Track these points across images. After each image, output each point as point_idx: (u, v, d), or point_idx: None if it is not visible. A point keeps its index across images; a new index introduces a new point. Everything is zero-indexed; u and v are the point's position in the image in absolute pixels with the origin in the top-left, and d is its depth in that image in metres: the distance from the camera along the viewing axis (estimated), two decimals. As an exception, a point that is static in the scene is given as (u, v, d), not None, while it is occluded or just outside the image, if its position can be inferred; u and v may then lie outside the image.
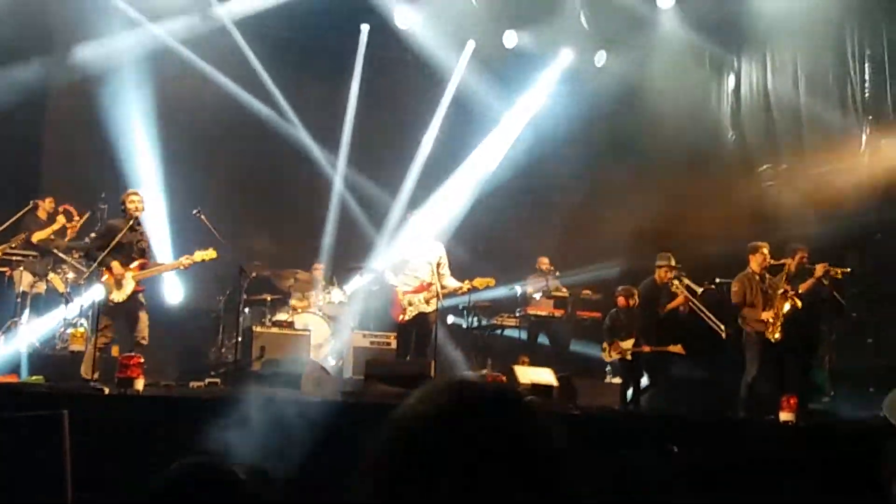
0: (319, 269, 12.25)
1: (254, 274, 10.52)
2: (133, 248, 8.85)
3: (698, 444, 6.72)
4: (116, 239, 8.56)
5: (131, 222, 8.80)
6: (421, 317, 9.50)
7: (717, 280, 10.24)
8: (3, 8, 11.18)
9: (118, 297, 8.62)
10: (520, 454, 1.26)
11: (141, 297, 8.80)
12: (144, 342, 8.66)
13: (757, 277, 9.51)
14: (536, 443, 1.29)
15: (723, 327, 9.90)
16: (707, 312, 10.13)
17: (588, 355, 11.64)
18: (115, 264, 8.60)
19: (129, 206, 8.85)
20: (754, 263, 9.53)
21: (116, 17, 12.15)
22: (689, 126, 13.39)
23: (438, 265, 9.63)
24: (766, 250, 9.52)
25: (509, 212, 13.84)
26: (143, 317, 8.74)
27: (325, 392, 8.16)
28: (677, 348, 9.97)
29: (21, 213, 10.32)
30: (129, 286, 8.68)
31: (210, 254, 9.01)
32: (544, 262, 12.66)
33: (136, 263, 8.82)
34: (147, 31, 12.43)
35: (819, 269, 9.54)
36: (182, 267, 9.18)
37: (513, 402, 1.34)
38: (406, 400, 1.37)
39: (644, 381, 10.22)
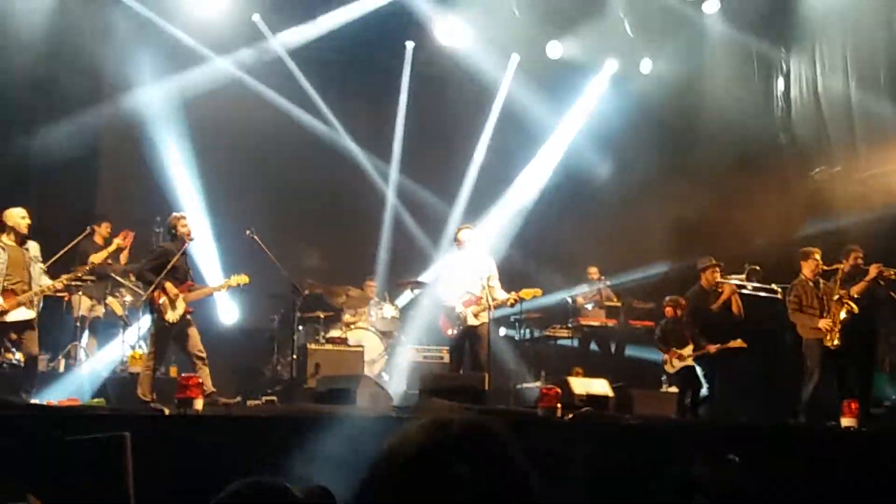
0: (372, 286, 12.34)
1: (307, 292, 10.62)
2: (182, 271, 9.03)
3: (760, 452, 6.62)
4: (172, 262, 8.71)
5: (185, 246, 8.99)
6: (470, 330, 9.48)
7: (772, 285, 10.07)
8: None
9: (172, 316, 8.76)
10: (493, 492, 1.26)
11: (189, 318, 8.94)
12: (203, 354, 8.81)
13: (811, 284, 9.36)
14: (510, 481, 1.29)
15: (778, 289, 9.72)
16: (759, 285, 9.95)
17: (642, 364, 11.53)
18: (169, 285, 8.76)
19: (182, 229, 9.03)
20: (807, 269, 9.40)
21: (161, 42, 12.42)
22: (739, 130, 13.25)
23: (489, 278, 9.61)
24: (818, 256, 9.38)
25: (560, 220, 13.81)
26: (194, 332, 8.89)
27: (379, 407, 8.18)
28: (738, 343, 9.83)
29: (79, 238, 10.52)
30: (181, 307, 8.82)
31: (243, 279, 9.20)
32: (594, 272, 12.59)
33: (187, 286, 9.00)
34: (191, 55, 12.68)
35: (873, 269, 9.34)
36: (221, 290, 9.39)
37: (489, 440, 1.34)
38: (390, 439, 1.39)
39: (703, 391, 10.07)
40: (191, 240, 9.10)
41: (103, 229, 10.82)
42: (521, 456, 1.32)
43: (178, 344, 8.95)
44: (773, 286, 9.85)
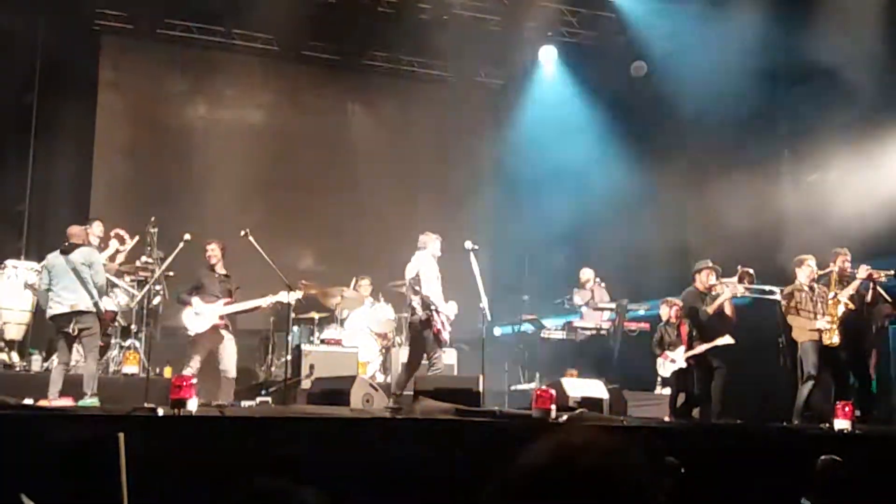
0: (364, 285, 12.28)
1: (300, 293, 10.60)
2: (216, 288, 9.76)
3: (752, 454, 6.63)
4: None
5: (214, 270, 9.83)
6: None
7: (769, 288, 10.09)
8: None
9: (195, 328, 9.54)
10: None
11: (223, 331, 9.63)
12: (227, 370, 9.59)
13: (807, 288, 9.41)
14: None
15: (776, 290, 9.74)
16: (757, 286, 9.97)
17: (637, 367, 11.55)
18: (196, 300, 9.60)
19: (207, 254, 9.86)
20: (802, 276, 9.45)
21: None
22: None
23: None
24: (812, 262, 9.44)
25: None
26: (223, 348, 9.60)
27: (373, 408, 8.19)
28: (725, 338, 9.84)
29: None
30: (209, 320, 9.54)
31: (295, 294, 9.82)
32: (587, 274, 12.61)
33: (221, 301, 9.67)
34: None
35: (862, 271, 9.39)
36: (266, 306, 9.91)
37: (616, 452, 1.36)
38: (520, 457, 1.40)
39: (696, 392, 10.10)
40: (212, 265, 9.85)
41: (95, 228, 10.78)
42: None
43: (213, 354, 9.64)
44: (772, 288, 9.88)
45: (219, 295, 9.75)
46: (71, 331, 8.78)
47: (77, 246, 9.01)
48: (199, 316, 9.60)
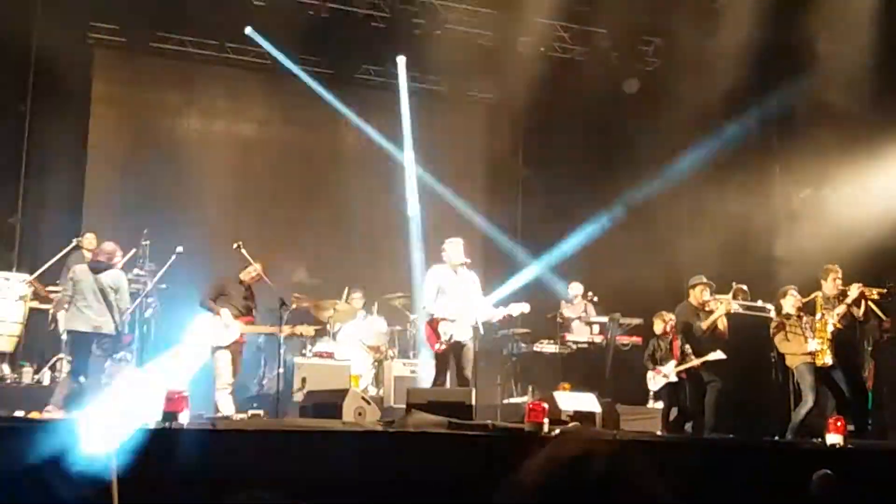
0: (356, 298, 12.27)
1: (294, 306, 10.61)
2: (240, 303, 9.89)
3: (745, 469, 6.64)
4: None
5: (243, 284, 9.97)
6: (457, 345, 9.45)
7: (762, 304, 10.13)
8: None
9: (221, 340, 9.64)
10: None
11: (238, 347, 9.81)
12: (228, 381, 9.65)
13: (794, 317, 9.45)
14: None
15: (771, 307, 9.77)
16: (751, 304, 10.02)
17: (629, 380, 11.55)
18: (225, 312, 9.66)
19: (247, 270, 9.94)
20: (787, 306, 9.51)
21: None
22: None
23: (474, 292, 9.61)
24: (794, 291, 9.52)
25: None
26: (237, 361, 9.80)
27: (366, 421, 8.16)
28: (717, 354, 9.88)
29: (64, 251, 10.49)
30: (234, 333, 9.68)
31: (308, 330, 10.16)
32: (577, 289, 12.63)
33: (243, 319, 9.80)
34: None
35: (854, 289, 9.43)
36: (279, 333, 9.85)
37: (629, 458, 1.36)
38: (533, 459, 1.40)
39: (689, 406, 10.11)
40: (242, 280, 9.94)
41: (86, 242, 10.76)
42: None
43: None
44: (766, 305, 9.91)
45: (241, 311, 9.86)
46: (91, 350, 8.86)
47: (108, 267, 9.04)
48: (228, 328, 9.71)
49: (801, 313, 9.47)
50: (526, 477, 1.38)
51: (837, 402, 9.30)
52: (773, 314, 9.72)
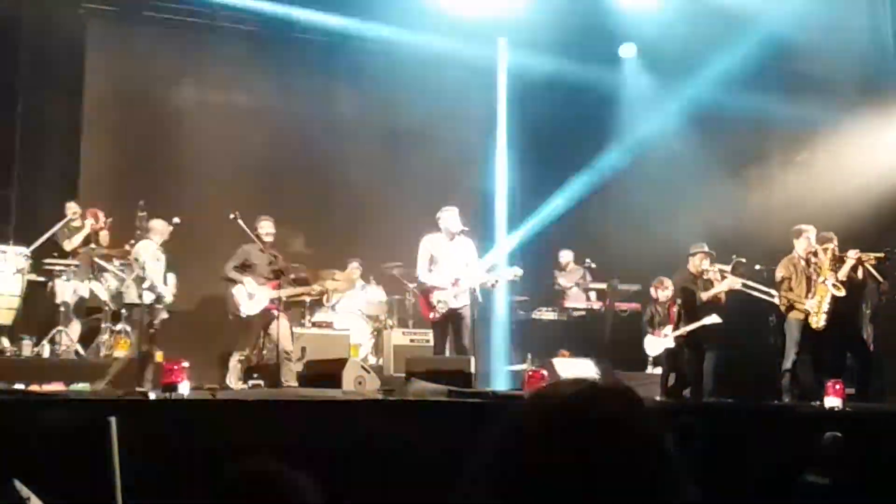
0: (354, 267, 12.22)
1: (292, 276, 10.58)
2: (266, 269, 9.73)
3: (747, 433, 6.66)
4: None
5: (265, 249, 9.71)
6: (452, 313, 9.46)
7: (758, 266, 10.12)
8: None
9: (247, 310, 9.57)
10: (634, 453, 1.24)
11: (274, 313, 9.60)
12: (287, 350, 9.54)
13: (802, 262, 9.39)
14: (652, 443, 1.27)
15: (775, 293, 9.75)
16: (755, 286, 10.01)
17: (628, 346, 11.58)
18: (249, 280, 9.59)
19: (259, 231, 9.78)
20: (799, 247, 9.42)
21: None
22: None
23: (470, 260, 9.61)
24: (811, 234, 9.41)
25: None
26: (276, 327, 9.52)
27: (366, 391, 8.19)
28: (712, 318, 9.86)
29: (59, 225, 10.45)
30: (262, 302, 9.61)
31: (341, 286, 10.51)
32: (567, 256, 12.66)
33: (270, 284, 9.69)
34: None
35: (852, 256, 9.37)
36: (313, 293, 10.12)
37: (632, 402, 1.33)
38: (526, 398, 1.36)
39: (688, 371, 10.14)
40: (265, 241, 9.74)
41: (69, 211, 10.65)
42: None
43: (266, 337, 9.70)
44: (771, 291, 9.87)
45: (269, 276, 9.73)
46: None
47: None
48: (253, 298, 9.61)
49: (811, 257, 9.38)
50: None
51: (816, 367, 9.22)
52: (776, 300, 9.66)
